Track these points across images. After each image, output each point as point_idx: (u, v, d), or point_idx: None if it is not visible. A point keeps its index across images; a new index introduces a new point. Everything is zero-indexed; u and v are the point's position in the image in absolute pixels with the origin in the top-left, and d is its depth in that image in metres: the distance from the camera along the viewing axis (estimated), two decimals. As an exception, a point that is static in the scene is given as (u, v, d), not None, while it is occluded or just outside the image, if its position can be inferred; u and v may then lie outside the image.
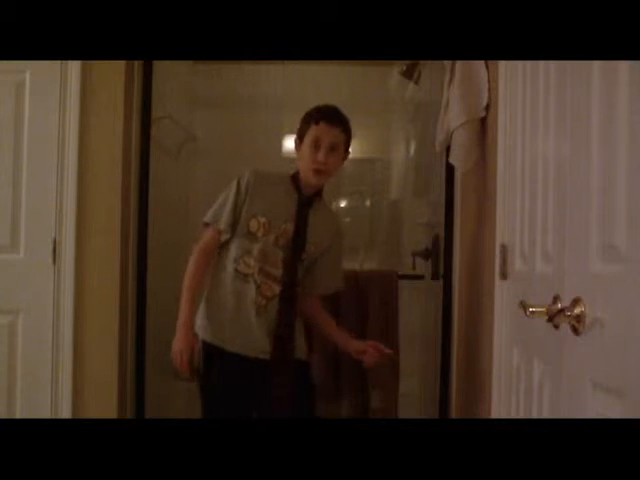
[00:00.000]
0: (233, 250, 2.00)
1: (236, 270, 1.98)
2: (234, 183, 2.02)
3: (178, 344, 1.92)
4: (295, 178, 2.05)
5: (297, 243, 2.01)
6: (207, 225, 2.04)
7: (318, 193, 2.08)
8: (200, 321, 2.01)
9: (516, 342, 1.63)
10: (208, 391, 2.00)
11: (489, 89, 1.96)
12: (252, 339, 1.97)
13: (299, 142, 2.05)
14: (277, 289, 1.98)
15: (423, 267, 2.87)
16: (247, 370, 1.96)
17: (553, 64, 1.32)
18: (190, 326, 1.95)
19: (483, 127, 2.03)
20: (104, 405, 2.44)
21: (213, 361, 1.98)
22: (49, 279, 2.43)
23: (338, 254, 2.17)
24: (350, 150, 2.08)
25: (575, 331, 1.06)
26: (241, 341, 1.97)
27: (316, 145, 1.97)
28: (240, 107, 3.71)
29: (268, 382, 1.96)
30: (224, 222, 1.99)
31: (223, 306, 1.99)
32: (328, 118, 1.99)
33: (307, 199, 2.04)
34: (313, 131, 1.98)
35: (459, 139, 2.06)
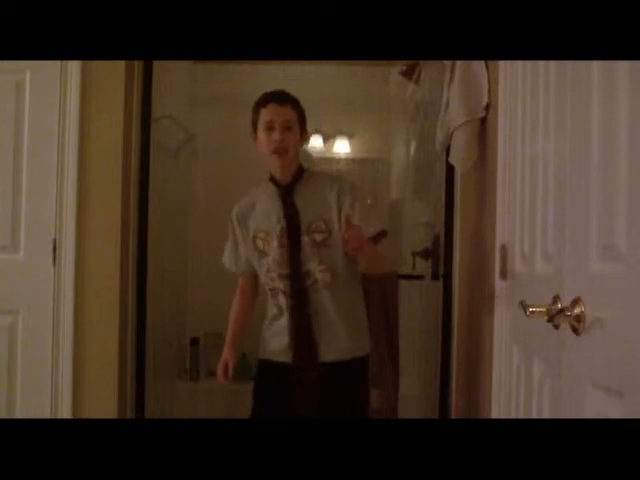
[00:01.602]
0: (261, 276, 2.08)
1: (270, 290, 2.04)
2: (229, 225, 2.11)
3: (222, 358, 2.15)
4: (272, 177, 2.04)
5: (293, 233, 1.98)
6: None
7: (298, 179, 2.02)
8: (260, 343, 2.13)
9: (516, 342, 1.63)
10: (254, 398, 2.10)
11: (489, 89, 1.96)
12: (283, 343, 2.02)
13: (254, 133, 2.03)
14: (287, 286, 1.99)
15: (423, 267, 2.87)
16: (278, 375, 2.04)
17: (553, 64, 1.32)
18: (230, 347, 2.15)
19: (483, 127, 2.03)
20: (104, 405, 2.44)
21: (262, 374, 2.11)
22: (49, 279, 2.43)
23: (362, 198, 2.07)
24: (308, 129, 2.06)
25: (575, 331, 1.06)
26: (275, 348, 2.05)
27: (270, 127, 1.96)
28: (240, 107, 3.69)
29: (294, 385, 2.00)
30: (238, 265, 2.14)
31: (268, 325, 2.09)
32: (275, 99, 1.99)
33: (286, 187, 2.00)
34: (263, 114, 1.98)
35: (459, 139, 2.06)
